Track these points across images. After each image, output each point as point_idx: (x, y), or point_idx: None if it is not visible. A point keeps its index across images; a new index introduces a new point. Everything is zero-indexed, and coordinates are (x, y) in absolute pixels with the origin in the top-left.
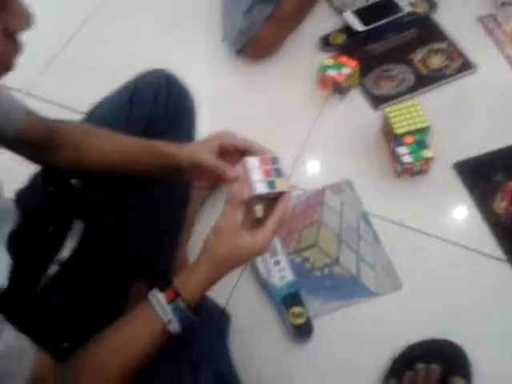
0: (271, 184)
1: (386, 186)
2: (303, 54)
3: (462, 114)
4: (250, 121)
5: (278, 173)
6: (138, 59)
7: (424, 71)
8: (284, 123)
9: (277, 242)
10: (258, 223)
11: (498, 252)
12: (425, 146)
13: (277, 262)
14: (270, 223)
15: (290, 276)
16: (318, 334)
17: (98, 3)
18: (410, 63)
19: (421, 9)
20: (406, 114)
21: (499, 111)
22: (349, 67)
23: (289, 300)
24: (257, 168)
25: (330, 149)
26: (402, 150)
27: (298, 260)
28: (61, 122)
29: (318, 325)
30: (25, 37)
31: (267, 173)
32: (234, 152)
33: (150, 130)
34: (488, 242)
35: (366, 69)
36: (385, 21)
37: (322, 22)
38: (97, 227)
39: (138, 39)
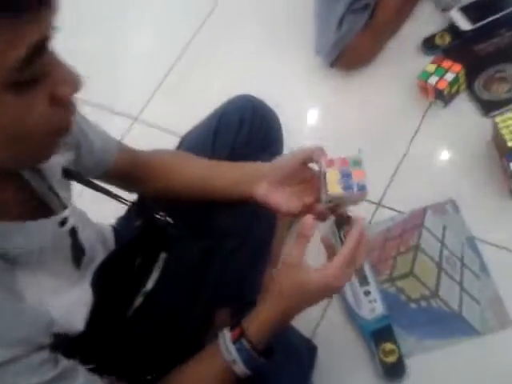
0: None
1: (497, 208)
2: (404, 59)
3: None
4: (347, 132)
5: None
6: (238, 81)
7: None
8: (382, 134)
9: (368, 270)
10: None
11: None
12: None
13: (367, 292)
14: (341, 255)
15: (381, 308)
16: (413, 375)
17: (196, 30)
18: None
19: None
20: None
21: None
22: (453, 72)
23: (379, 335)
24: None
25: (433, 163)
26: None
27: (392, 290)
28: (153, 152)
29: (413, 364)
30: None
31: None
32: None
33: (234, 155)
34: None
35: (474, 72)
36: (495, 17)
37: (424, 23)
38: (178, 258)
39: (237, 62)
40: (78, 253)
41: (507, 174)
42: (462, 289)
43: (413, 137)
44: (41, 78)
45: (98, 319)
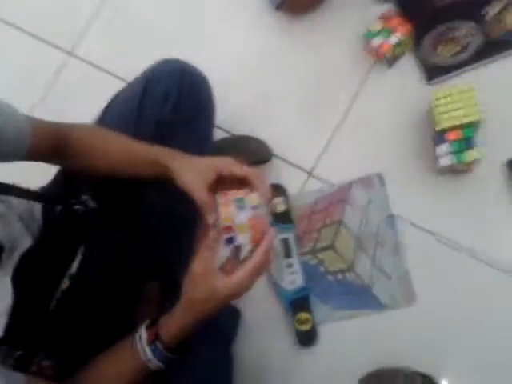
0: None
1: (422, 185)
2: (354, 7)
3: None
4: (285, 85)
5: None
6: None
7: (496, 32)
8: (321, 93)
9: (292, 242)
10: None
11: None
12: (471, 145)
13: (290, 265)
14: (249, 266)
15: (300, 281)
16: (325, 342)
17: None
18: (480, 20)
19: None
20: (457, 101)
21: None
22: (399, 34)
23: (297, 305)
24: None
25: (369, 132)
26: (442, 149)
27: (313, 262)
28: (72, 126)
29: (325, 332)
30: None
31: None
32: (231, 179)
33: (160, 133)
34: None
35: (425, 27)
36: None
37: None
38: (97, 250)
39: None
40: None
41: (434, 154)
42: (374, 264)
43: (353, 98)
44: None
45: (22, 310)
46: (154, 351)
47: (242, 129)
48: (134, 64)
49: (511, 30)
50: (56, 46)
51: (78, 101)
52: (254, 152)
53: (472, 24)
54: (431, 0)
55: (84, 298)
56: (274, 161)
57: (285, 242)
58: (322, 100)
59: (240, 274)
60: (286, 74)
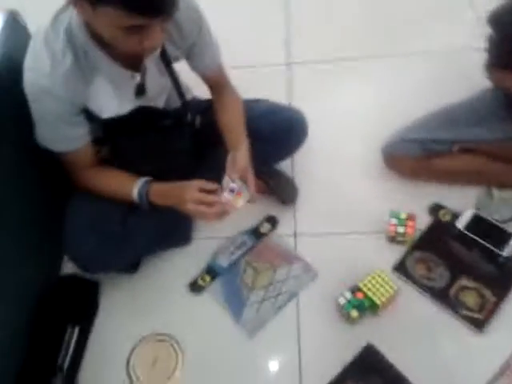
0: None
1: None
2: None
3: None
4: None
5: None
6: None
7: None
8: None
9: (247, 244)
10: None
11: None
12: (362, 309)
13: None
14: (205, 184)
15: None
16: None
17: None
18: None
19: None
20: (380, 284)
21: None
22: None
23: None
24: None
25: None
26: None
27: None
28: (233, 91)
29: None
30: None
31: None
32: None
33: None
34: None
35: (422, 246)
36: (484, 243)
37: None
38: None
39: None
40: (139, 92)
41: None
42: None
43: None
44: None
45: None
46: (139, 197)
47: None
48: None
49: (463, 303)
50: None
51: None
52: (283, 192)
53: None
54: (446, 243)
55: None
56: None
57: (244, 242)
58: None
59: (196, 183)
60: None
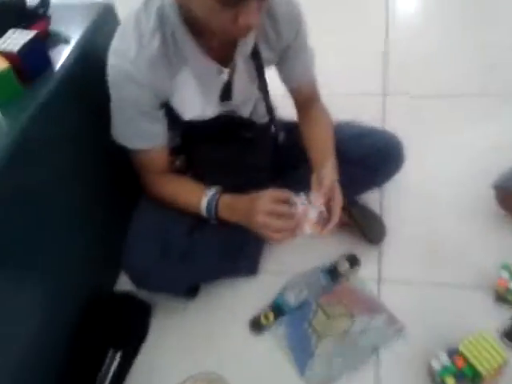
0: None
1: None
2: None
3: None
4: None
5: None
6: None
7: None
8: None
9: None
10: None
11: None
12: (461, 378)
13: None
14: (280, 194)
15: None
16: None
17: None
18: None
19: None
20: (486, 350)
21: None
22: None
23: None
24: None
25: None
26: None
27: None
28: (321, 111)
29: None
30: None
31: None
32: None
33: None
34: None
35: None
36: None
37: None
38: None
39: None
40: (225, 95)
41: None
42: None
43: None
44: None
45: None
46: (208, 210)
47: None
48: None
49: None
50: None
51: None
52: (369, 228)
53: None
54: None
55: None
56: None
57: (318, 280)
58: None
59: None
60: None
